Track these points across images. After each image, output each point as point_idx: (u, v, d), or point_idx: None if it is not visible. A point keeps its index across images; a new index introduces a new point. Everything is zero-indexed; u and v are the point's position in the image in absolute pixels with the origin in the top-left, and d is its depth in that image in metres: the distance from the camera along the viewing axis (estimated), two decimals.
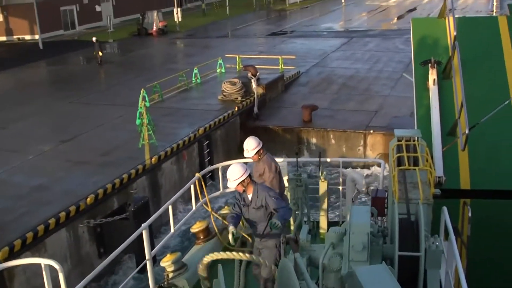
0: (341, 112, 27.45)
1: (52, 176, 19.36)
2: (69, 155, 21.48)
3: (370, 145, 24.79)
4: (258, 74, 29.64)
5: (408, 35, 46.64)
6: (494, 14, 51.60)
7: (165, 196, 20.63)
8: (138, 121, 24.43)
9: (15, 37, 55.29)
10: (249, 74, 29.24)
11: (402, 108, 27.16)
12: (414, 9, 69.14)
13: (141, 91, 25.74)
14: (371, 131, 24.88)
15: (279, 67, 33.54)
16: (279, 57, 34.44)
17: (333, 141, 25.40)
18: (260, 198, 8.20)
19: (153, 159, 20.53)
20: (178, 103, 28.50)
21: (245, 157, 9.86)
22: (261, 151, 9.57)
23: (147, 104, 25.19)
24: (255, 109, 27.66)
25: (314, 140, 25.71)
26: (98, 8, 62.43)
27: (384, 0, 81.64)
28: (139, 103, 24.60)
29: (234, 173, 8.21)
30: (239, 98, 27.76)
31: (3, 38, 55.23)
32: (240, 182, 8.21)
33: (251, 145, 9.49)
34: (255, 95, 27.98)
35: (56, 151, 22.13)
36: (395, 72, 34.09)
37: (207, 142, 23.78)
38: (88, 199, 17.24)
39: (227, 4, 71.34)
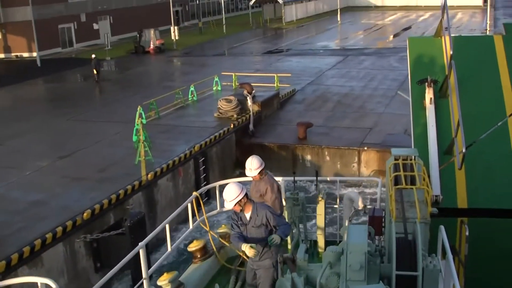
0: (336, 130, 27.75)
1: (49, 192, 19.60)
2: (66, 171, 21.73)
3: (364, 162, 25.06)
4: (253, 91, 29.95)
5: (403, 53, 47.24)
6: (488, 32, 52.15)
7: (161, 212, 20.87)
8: (134, 138, 24.73)
9: (13, 54, 55.73)
10: (245, 92, 29.54)
11: (397, 125, 27.47)
12: (409, 27, 69.81)
13: (138, 108, 26.07)
14: (365, 148, 25.16)
15: (275, 85, 33.90)
16: (275, 75, 34.82)
17: (327, 158, 25.66)
18: (260, 216, 8.13)
19: (149, 175, 20.77)
20: (175, 120, 28.78)
21: (246, 176, 9.77)
22: (263, 171, 9.55)
23: (144, 121, 25.45)
24: (251, 126, 27.95)
25: (309, 157, 25.96)
26: (95, 26, 62.93)
27: (379, 19, 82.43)
28: (136, 120, 24.92)
29: (231, 194, 8.12)
30: (235, 116, 28.06)
31: (1, 56, 55.74)
32: (237, 202, 8.12)
33: (254, 164, 9.46)
34: (251, 113, 28.29)
35: (54, 167, 22.37)
36: (389, 90, 34.43)
37: (203, 159, 24.02)
38: (85, 214, 17.46)
39: (224, 22, 71.90)
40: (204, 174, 23.91)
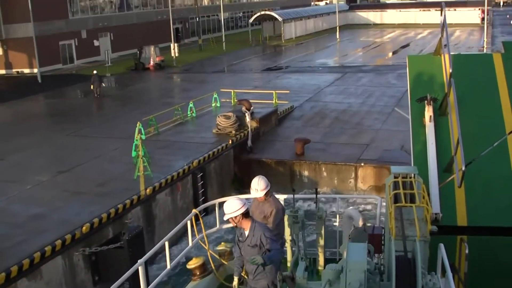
0: (333, 146, 28.05)
1: (49, 206, 19.85)
2: (66, 186, 21.98)
3: (361, 178, 25.32)
4: (252, 108, 30.33)
5: (401, 70, 47.68)
6: (484, 50, 52.62)
7: (160, 226, 21.11)
8: (134, 153, 25.00)
9: (14, 70, 56.18)
10: (243, 108, 29.91)
11: (394, 141, 27.80)
12: (408, 45, 70.46)
13: (137, 124, 26.38)
14: (362, 164, 25.43)
15: (273, 101, 34.24)
16: (273, 92, 35.19)
17: (325, 173, 25.92)
18: (256, 236, 8.17)
19: (148, 190, 21.02)
20: (174, 136, 29.08)
21: (251, 196, 9.64)
22: (269, 192, 9.45)
23: (143, 137, 25.77)
24: (249, 142, 28.24)
25: (306, 173, 26.23)
26: (96, 43, 63.52)
27: (378, 37, 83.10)
28: (135, 136, 25.22)
29: (228, 208, 8.23)
30: (233, 132, 28.38)
31: (2, 72, 56.19)
32: (232, 218, 8.22)
33: (261, 185, 9.32)
34: (249, 129, 28.60)
35: (54, 181, 22.64)
36: (387, 107, 34.78)
37: (201, 174, 24.27)
38: (84, 227, 17.70)
39: (223, 40, 72.50)
40: (203, 189, 24.14)
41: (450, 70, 10.51)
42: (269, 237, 8.18)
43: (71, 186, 21.97)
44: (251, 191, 9.44)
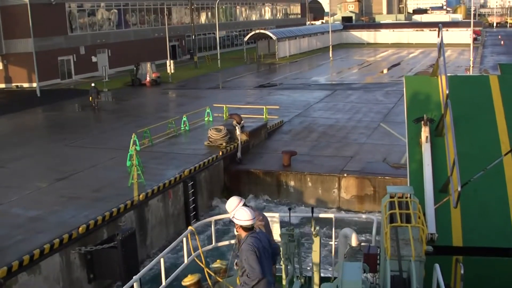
0: (319, 158, 29.38)
1: (47, 209, 21.14)
2: (63, 191, 23.28)
3: (344, 188, 26.64)
4: (242, 122, 31.69)
5: (389, 88, 49.28)
6: (470, 69, 54.12)
7: (151, 229, 22.42)
8: (128, 163, 26.30)
9: (13, 84, 57.70)
10: (234, 122, 31.27)
11: (377, 154, 29.19)
12: (399, 64, 72.14)
13: (132, 136, 27.74)
14: (345, 175, 26.74)
15: (264, 116, 35.63)
16: (264, 107, 36.60)
17: (309, 183, 27.24)
18: (241, 250, 8.21)
19: (141, 196, 22.32)
20: (167, 148, 30.43)
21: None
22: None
23: (138, 148, 27.09)
24: (239, 154, 29.58)
25: (292, 183, 27.56)
26: (94, 59, 65.12)
27: (371, 56, 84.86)
28: (130, 147, 26.58)
29: (231, 207, 8.61)
30: (224, 144, 29.72)
31: (2, 85, 57.71)
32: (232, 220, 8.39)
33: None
34: (239, 141, 29.94)
35: (52, 187, 23.94)
36: (373, 122, 36.21)
37: (192, 183, 25.54)
38: (80, 228, 18.98)
39: (218, 57, 74.14)
40: (193, 197, 25.40)
41: (447, 91, 10.57)
42: (246, 260, 8.03)
43: (68, 191, 23.26)
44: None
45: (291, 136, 34.04)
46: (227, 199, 9.54)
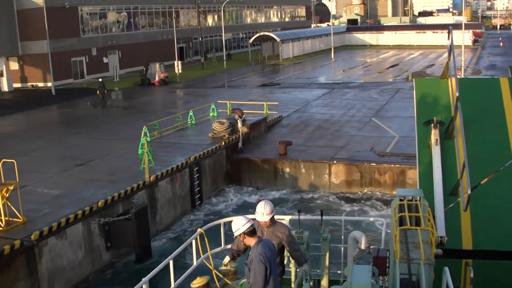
0: (312, 148, 32.19)
1: (69, 189, 24.06)
2: (82, 175, 26.23)
3: (334, 174, 29.44)
4: (244, 116, 34.55)
5: (384, 86, 51.97)
6: (462, 70, 56.56)
7: (161, 207, 25.32)
8: (140, 151, 29.16)
9: (29, 84, 60.91)
10: (236, 116, 34.13)
11: (365, 144, 31.96)
12: (397, 64, 74.76)
13: (143, 128, 30.66)
14: (335, 162, 29.55)
15: (264, 111, 38.47)
16: (264, 103, 39.46)
17: (303, 170, 30.07)
18: (250, 258, 8.05)
19: (151, 178, 25.22)
20: (174, 139, 33.34)
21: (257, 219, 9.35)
22: (273, 217, 9.36)
23: (148, 138, 30.00)
24: (240, 144, 32.44)
25: (287, 170, 30.39)
26: (105, 60, 68.42)
27: (372, 57, 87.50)
28: (141, 137, 29.49)
29: (232, 226, 8.32)
30: (227, 136, 32.58)
31: (18, 85, 60.78)
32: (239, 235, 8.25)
33: (267, 209, 9.19)
34: (240, 133, 32.80)
35: (72, 171, 26.89)
36: (365, 117, 38.99)
37: (197, 168, 28.40)
38: (99, 203, 21.89)
39: (224, 58, 77.02)
40: (198, 181, 28.25)
41: (457, 94, 10.41)
42: (253, 268, 7.95)
43: (86, 175, 26.18)
44: (257, 216, 9.26)
45: (289, 129, 36.84)
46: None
